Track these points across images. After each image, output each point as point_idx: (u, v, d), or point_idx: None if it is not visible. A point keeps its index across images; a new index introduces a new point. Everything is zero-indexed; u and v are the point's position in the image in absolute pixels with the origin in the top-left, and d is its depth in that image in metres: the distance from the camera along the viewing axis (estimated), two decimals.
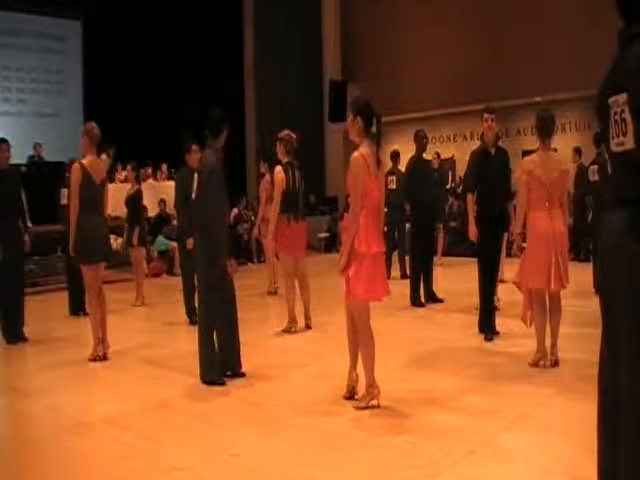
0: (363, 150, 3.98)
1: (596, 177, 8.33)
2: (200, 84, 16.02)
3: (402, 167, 9.16)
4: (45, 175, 11.29)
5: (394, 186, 9.53)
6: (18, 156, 9.32)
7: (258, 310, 7.75)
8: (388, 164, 10.23)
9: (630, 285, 1.95)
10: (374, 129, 4.06)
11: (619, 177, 2.02)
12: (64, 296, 7.98)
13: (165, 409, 4.24)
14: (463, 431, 3.62)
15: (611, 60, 2.07)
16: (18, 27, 16.10)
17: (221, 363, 4.78)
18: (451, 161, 15.18)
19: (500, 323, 5.93)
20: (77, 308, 7.63)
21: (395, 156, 9.89)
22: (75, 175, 5.44)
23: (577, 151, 10.74)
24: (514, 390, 4.34)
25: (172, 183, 9.03)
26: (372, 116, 4.03)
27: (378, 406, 4.02)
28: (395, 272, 9.71)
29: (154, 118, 15.51)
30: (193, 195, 4.88)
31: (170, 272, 11.23)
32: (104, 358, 5.52)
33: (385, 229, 10.30)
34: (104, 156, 13.81)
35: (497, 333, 5.82)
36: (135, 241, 8.26)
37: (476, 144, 6.41)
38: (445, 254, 11.42)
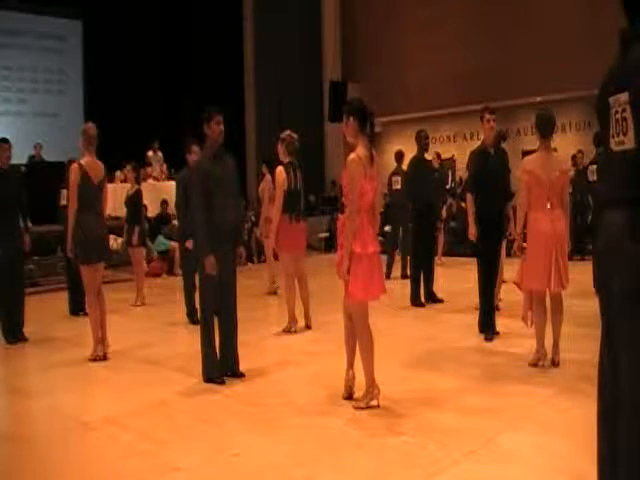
0: (359, 151, 3.98)
1: (595, 177, 8.35)
2: (200, 84, 16.03)
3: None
4: (45, 175, 11.30)
5: (398, 186, 9.51)
6: (18, 156, 9.30)
7: (258, 310, 7.74)
8: (392, 164, 10.26)
9: (629, 285, 1.94)
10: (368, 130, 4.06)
11: (618, 176, 2.02)
12: (64, 296, 7.99)
13: (165, 409, 4.23)
14: (463, 431, 3.62)
15: (612, 60, 2.07)
16: (18, 27, 16.12)
17: (221, 362, 4.79)
18: (451, 161, 15.19)
19: (500, 323, 5.93)
20: (77, 308, 7.63)
21: (399, 156, 9.88)
22: (74, 175, 5.44)
23: (580, 152, 10.79)
24: (514, 390, 4.34)
25: (173, 183, 9.04)
26: (366, 116, 4.02)
27: (378, 406, 4.02)
28: (395, 272, 9.71)
29: (154, 118, 15.51)
30: None
31: (170, 272, 11.24)
32: (104, 358, 5.52)
33: (388, 228, 10.41)
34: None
35: (497, 333, 5.82)
36: (135, 241, 8.26)
37: (476, 144, 6.41)
38: (445, 254, 11.43)
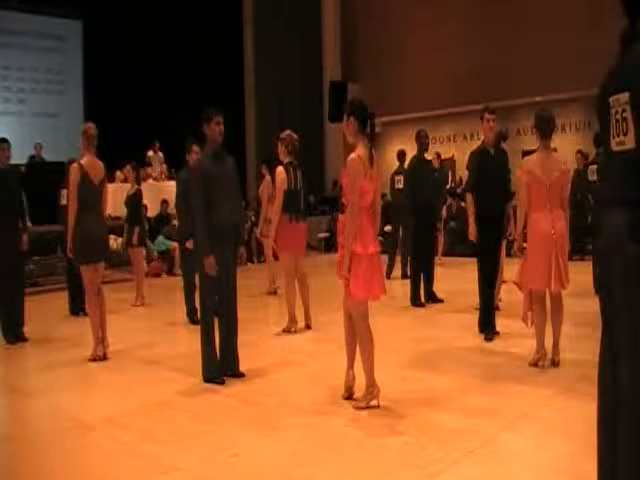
0: (359, 151, 3.98)
1: (595, 177, 8.35)
2: (200, 84, 16.03)
3: None
4: (45, 175, 11.29)
5: (401, 186, 9.43)
6: (18, 156, 9.31)
7: (258, 310, 7.75)
8: (393, 164, 10.24)
9: (629, 286, 1.94)
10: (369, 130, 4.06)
11: (619, 176, 2.02)
12: (64, 296, 7.99)
13: (165, 409, 4.23)
14: (463, 431, 3.62)
15: (612, 60, 2.07)
16: (18, 27, 16.11)
17: (221, 362, 4.80)
18: (451, 161, 15.19)
19: (500, 323, 5.93)
20: (77, 308, 7.63)
21: (402, 156, 9.84)
22: (73, 175, 5.44)
23: (580, 153, 10.78)
24: (514, 390, 4.34)
25: (173, 183, 9.05)
26: (366, 116, 4.02)
27: (378, 406, 4.02)
28: (396, 272, 9.71)
29: (154, 118, 15.51)
30: None
31: (170, 272, 11.24)
32: (104, 358, 5.52)
33: (388, 228, 10.41)
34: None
35: (497, 333, 5.82)
36: (135, 241, 8.26)
37: (476, 144, 6.41)
38: (445, 254, 11.43)
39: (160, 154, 14.37)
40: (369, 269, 3.94)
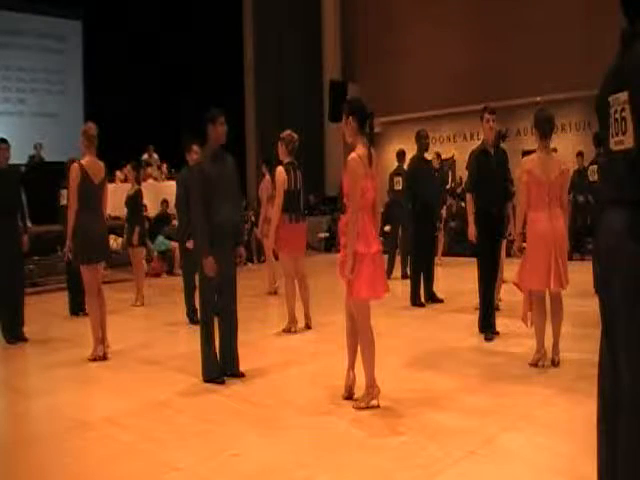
0: (359, 151, 3.99)
1: (596, 177, 8.36)
2: (200, 84, 16.03)
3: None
4: (45, 175, 11.30)
5: (400, 187, 9.42)
6: (18, 156, 9.31)
7: (258, 310, 7.75)
8: (392, 164, 10.22)
9: (629, 285, 1.94)
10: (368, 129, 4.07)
11: (618, 176, 2.02)
12: (64, 296, 7.99)
13: (165, 409, 4.23)
14: (463, 431, 3.62)
15: (611, 60, 2.07)
16: (18, 27, 16.13)
17: (221, 362, 4.80)
18: (451, 161, 15.19)
19: (500, 323, 5.93)
20: (77, 308, 7.63)
21: (401, 156, 9.82)
22: (74, 175, 5.44)
23: (580, 154, 10.80)
24: (514, 390, 4.33)
25: (173, 183, 9.04)
26: (366, 116, 4.03)
27: (378, 406, 4.02)
28: (396, 272, 9.71)
29: (154, 118, 15.52)
30: None
31: (170, 272, 11.24)
32: (104, 358, 5.52)
33: (387, 228, 10.41)
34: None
35: (497, 333, 5.82)
36: (135, 241, 8.26)
37: (476, 144, 6.42)
38: (445, 254, 11.43)
39: (155, 156, 14.37)
40: (372, 268, 3.94)
